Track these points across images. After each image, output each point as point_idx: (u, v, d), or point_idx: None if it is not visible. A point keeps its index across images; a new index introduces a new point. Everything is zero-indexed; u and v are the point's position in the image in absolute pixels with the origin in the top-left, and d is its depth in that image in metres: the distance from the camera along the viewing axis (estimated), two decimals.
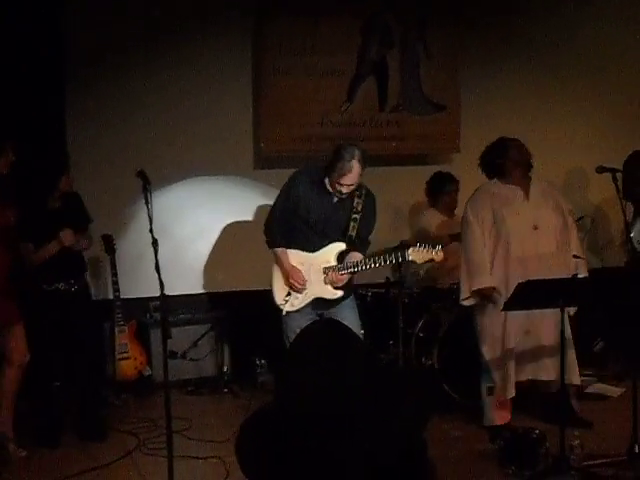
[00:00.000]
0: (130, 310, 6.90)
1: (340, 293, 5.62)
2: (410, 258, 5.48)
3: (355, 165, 5.33)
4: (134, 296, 6.99)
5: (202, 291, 7.64)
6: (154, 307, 7.19)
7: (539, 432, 5.28)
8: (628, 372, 6.06)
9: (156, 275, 4.78)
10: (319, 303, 5.65)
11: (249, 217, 7.44)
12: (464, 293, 5.94)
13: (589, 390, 6.68)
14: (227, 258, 7.57)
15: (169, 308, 6.43)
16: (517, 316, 5.70)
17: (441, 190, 7.36)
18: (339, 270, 5.52)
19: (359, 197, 5.56)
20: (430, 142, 7.86)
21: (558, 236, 5.85)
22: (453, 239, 6.90)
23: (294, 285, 5.58)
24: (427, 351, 6.55)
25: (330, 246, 5.59)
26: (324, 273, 5.57)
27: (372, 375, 2.68)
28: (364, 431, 2.60)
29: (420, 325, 6.77)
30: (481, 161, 6.08)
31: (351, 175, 5.35)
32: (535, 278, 5.16)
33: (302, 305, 5.62)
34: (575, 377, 5.91)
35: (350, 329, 2.88)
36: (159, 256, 4.84)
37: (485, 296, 5.85)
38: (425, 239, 5.88)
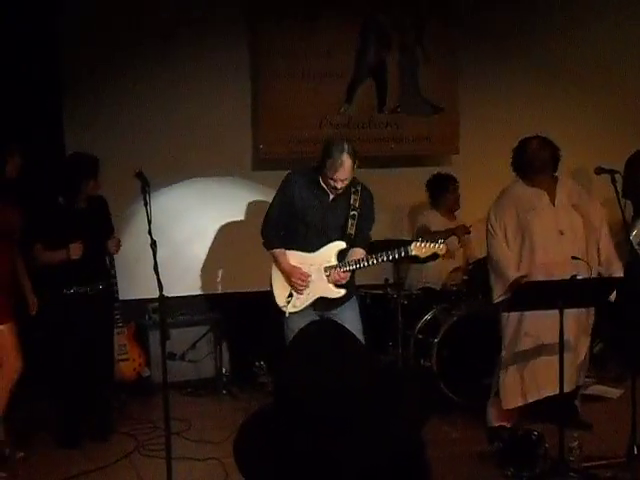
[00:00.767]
0: (129, 311, 6.89)
1: (343, 291, 5.62)
2: (413, 253, 5.50)
3: (346, 158, 5.33)
4: (133, 297, 6.98)
5: (201, 292, 7.64)
6: (153, 308, 7.19)
7: (538, 433, 5.28)
8: (627, 374, 6.06)
9: (155, 276, 4.78)
10: (321, 304, 5.64)
11: (248, 218, 7.44)
12: (497, 291, 5.79)
13: (588, 391, 6.67)
14: (226, 259, 7.57)
15: (168, 309, 6.48)
16: (533, 322, 5.67)
17: (441, 191, 7.36)
18: (341, 268, 5.52)
19: (355, 193, 5.56)
20: (429, 144, 7.86)
21: (585, 240, 5.77)
22: (450, 233, 6.95)
23: (297, 284, 5.56)
24: (426, 353, 6.55)
25: (330, 245, 5.59)
26: (325, 272, 5.57)
27: (370, 375, 2.67)
28: (362, 432, 2.59)
29: (419, 327, 6.76)
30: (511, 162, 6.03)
31: (343, 169, 5.35)
32: None
33: (305, 305, 5.61)
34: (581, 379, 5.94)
35: (347, 329, 2.87)
36: (158, 257, 4.84)
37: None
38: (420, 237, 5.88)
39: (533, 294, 5.10)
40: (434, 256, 5.69)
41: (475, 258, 7.16)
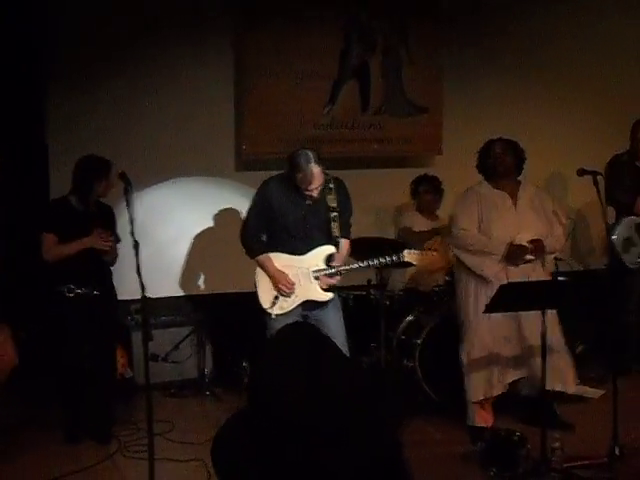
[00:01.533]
0: None
1: (330, 295, 5.66)
2: (405, 259, 5.56)
3: (314, 168, 5.37)
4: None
5: (184, 293, 7.62)
6: (135, 309, 7.17)
7: (520, 434, 5.29)
8: (609, 374, 6.09)
9: (137, 277, 4.77)
10: (306, 304, 5.67)
11: (231, 219, 7.42)
12: (490, 268, 5.83)
13: (570, 392, 6.69)
14: (209, 260, 7.56)
15: (150, 310, 6.47)
16: (506, 318, 5.72)
17: (420, 192, 7.40)
18: (334, 273, 5.54)
19: (330, 192, 5.58)
20: (412, 145, 7.87)
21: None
22: (435, 233, 6.99)
23: (283, 290, 5.58)
24: (409, 353, 6.56)
25: (318, 249, 5.61)
26: (314, 275, 5.58)
27: (346, 378, 2.67)
28: (338, 434, 2.60)
29: (402, 327, 6.78)
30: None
31: (315, 179, 5.39)
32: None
33: (291, 308, 5.63)
34: (568, 385, 5.97)
35: (322, 332, 2.88)
36: (141, 258, 4.83)
37: (516, 251, 5.79)
38: (408, 239, 5.92)
39: (514, 295, 5.12)
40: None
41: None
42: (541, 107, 8.25)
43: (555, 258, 5.73)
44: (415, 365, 6.46)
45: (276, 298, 5.62)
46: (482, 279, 5.82)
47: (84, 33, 7.08)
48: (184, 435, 6.16)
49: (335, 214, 5.57)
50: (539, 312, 5.20)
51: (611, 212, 7.03)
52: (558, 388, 5.95)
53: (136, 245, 4.83)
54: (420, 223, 7.32)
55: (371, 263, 5.62)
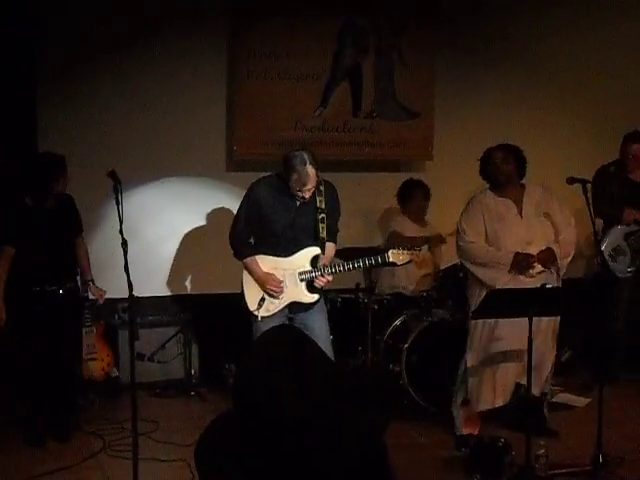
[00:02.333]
0: (98, 311, 6.84)
1: (316, 296, 5.66)
2: (391, 259, 5.56)
3: (310, 169, 5.38)
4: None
5: (171, 293, 7.60)
6: (122, 308, 7.15)
7: (505, 441, 5.30)
8: (595, 382, 6.10)
9: (125, 276, 4.76)
10: (292, 307, 5.67)
11: (220, 220, 7.40)
12: (500, 280, 5.74)
13: (555, 400, 6.70)
14: (197, 261, 7.55)
15: (137, 310, 6.45)
16: (506, 327, 5.70)
17: (408, 197, 7.40)
18: (324, 272, 5.54)
19: (320, 194, 5.58)
20: (403, 149, 7.86)
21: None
22: (425, 241, 7.00)
23: (271, 291, 5.58)
24: (395, 358, 6.55)
25: (304, 251, 5.61)
26: (300, 277, 5.58)
27: (328, 379, 2.67)
28: (321, 435, 2.59)
29: (389, 332, 6.77)
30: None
31: (310, 180, 5.40)
32: None
33: (277, 310, 5.62)
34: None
35: (306, 334, 2.88)
36: (129, 257, 4.82)
37: (521, 262, 5.75)
38: (396, 244, 5.92)
39: (503, 302, 5.12)
40: (409, 262, 5.77)
41: (444, 265, 7.23)
42: (533, 114, 8.26)
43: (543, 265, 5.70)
44: (401, 369, 6.46)
45: (262, 300, 5.61)
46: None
47: (78, 33, 7.05)
48: (169, 435, 6.14)
49: (323, 215, 5.57)
50: (542, 319, 5.22)
51: (599, 221, 7.04)
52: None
53: (124, 243, 4.83)
54: (409, 228, 7.32)
55: (357, 264, 5.62)
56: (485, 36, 8.10)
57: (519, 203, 5.87)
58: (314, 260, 5.61)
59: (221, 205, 7.50)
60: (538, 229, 5.82)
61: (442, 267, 7.32)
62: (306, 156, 5.40)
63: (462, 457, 5.55)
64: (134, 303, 4.86)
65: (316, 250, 5.60)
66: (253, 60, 7.34)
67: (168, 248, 7.52)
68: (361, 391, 2.84)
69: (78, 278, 6.27)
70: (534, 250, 5.74)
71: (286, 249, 5.61)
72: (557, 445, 5.73)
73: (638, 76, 8.54)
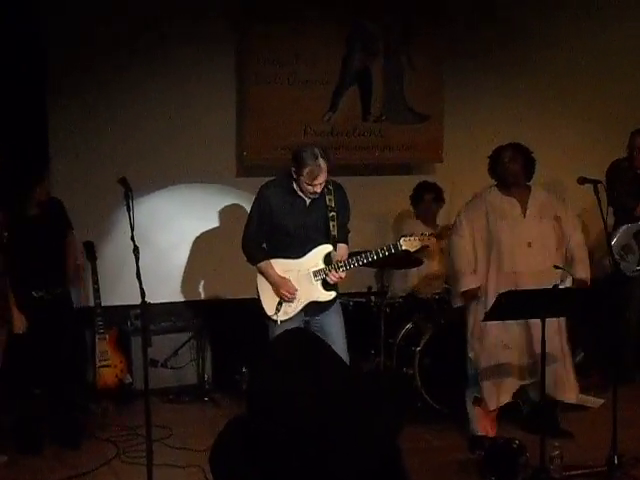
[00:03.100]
0: (111, 318, 6.87)
1: (334, 294, 5.66)
2: (403, 247, 5.55)
3: (322, 163, 5.38)
4: (115, 303, 6.96)
5: (183, 299, 7.61)
6: (135, 315, 7.16)
7: (519, 442, 5.29)
8: (609, 383, 6.08)
9: (137, 282, 4.77)
10: (309, 308, 5.66)
11: (232, 225, 7.40)
12: (455, 299, 6.00)
13: (569, 401, 6.68)
14: (209, 266, 7.56)
15: (150, 316, 6.48)
16: (509, 325, 5.71)
17: (417, 199, 7.39)
18: (339, 268, 5.53)
19: (329, 193, 5.58)
20: (413, 152, 7.86)
21: (553, 253, 5.84)
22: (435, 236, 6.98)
23: (285, 296, 5.57)
24: (408, 361, 6.55)
25: (316, 249, 5.60)
26: (315, 276, 5.58)
27: (342, 382, 2.67)
28: (335, 438, 2.59)
29: (402, 335, 6.77)
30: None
31: (322, 174, 5.40)
32: None
33: (296, 312, 5.62)
34: (570, 393, 5.95)
35: (319, 337, 2.88)
36: (141, 264, 4.83)
37: (471, 296, 5.85)
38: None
39: (515, 303, 5.11)
40: (425, 248, 5.84)
41: None
42: (542, 115, 8.25)
43: (555, 267, 5.69)
44: (414, 372, 6.46)
45: (279, 304, 5.61)
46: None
47: (85, 37, 7.09)
48: (183, 441, 6.14)
49: (333, 214, 5.57)
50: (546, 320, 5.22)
51: (610, 221, 7.02)
52: (559, 397, 5.94)
53: (136, 250, 4.84)
54: (421, 231, 7.29)
55: (370, 256, 5.57)
56: (493, 40, 8.09)
57: (524, 204, 5.87)
58: (327, 257, 5.60)
59: (232, 210, 7.51)
60: (540, 231, 5.82)
61: None
62: (317, 151, 5.42)
63: (476, 459, 5.53)
64: (146, 309, 4.87)
65: (328, 247, 5.59)
66: (261, 65, 7.35)
67: (180, 254, 7.53)
68: (375, 394, 2.84)
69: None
70: (534, 253, 5.74)
71: (299, 249, 5.60)
72: (571, 446, 5.70)
73: None
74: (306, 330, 5.22)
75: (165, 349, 7.27)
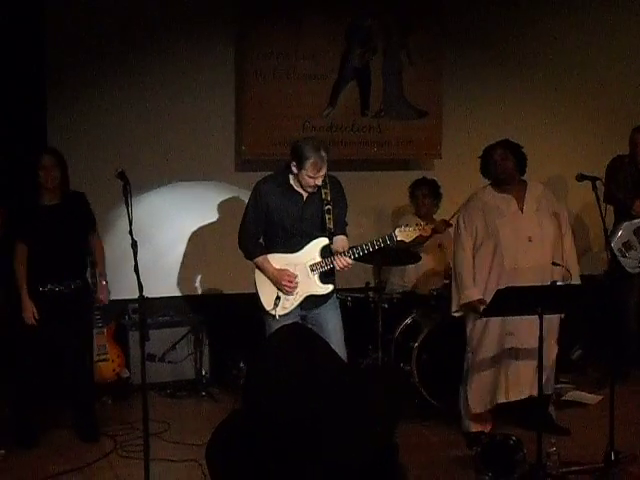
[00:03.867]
0: (109, 312, 6.86)
1: (331, 287, 5.65)
2: (399, 238, 5.52)
3: (324, 155, 5.39)
4: (113, 298, 6.93)
5: (181, 294, 7.61)
6: (133, 309, 7.17)
7: (516, 439, 5.29)
8: (606, 380, 6.09)
9: (135, 277, 4.77)
10: (306, 302, 5.65)
11: (230, 220, 7.39)
12: (454, 306, 5.96)
13: (567, 397, 6.70)
14: (207, 261, 7.56)
15: (148, 310, 6.45)
16: (504, 327, 5.72)
17: (412, 195, 7.38)
18: (345, 255, 5.49)
19: (324, 187, 5.57)
20: (412, 148, 7.86)
21: (553, 247, 5.83)
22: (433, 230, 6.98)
23: (286, 287, 5.55)
24: (406, 357, 6.55)
25: (313, 243, 5.59)
26: (312, 270, 5.57)
27: (337, 377, 2.67)
28: (333, 433, 2.60)
29: (399, 330, 6.77)
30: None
31: (324, 165, 5.40)
32: None
33: (295, 306, 5.62)
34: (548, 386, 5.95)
35: (315, 332, 2.89)
36: (139, 258, 4.83)
37: (471, 308, 5.85)
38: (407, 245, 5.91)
39: (512, 299, 5.11)
40: (420, 237, 5.79)
41: None
42: (541, 111, 8.25)
43: (553, 263, 5.69)
44: (412, 368, 6.46)
45: (277, 299, 5.60)
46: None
47: (84, 32, 7.09)
48: (180, 435, 6.15)
49: (329, 207, 5.56)
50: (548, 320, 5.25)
51: (609, 217, 7.03)
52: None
53: (134, 244, 4.83)
54: None
55: (365, 247, 5.53)
56: (492, 36, 8.11)
57: (520, 199, 5.85)
58: (323, 250, 5.59)
59: (230, 205, 7.51)
60: (539, 225, 5.80)
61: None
62: (316, 142, 5.44)
63: (474, 455, 5.54)
64: (144, 304, 4.87)
65: (324, 240, 5.57)
66: (261, 60, 7.35)
67: (178, 248, 7.53)
68: (372, 389, 2.84)
69: (90, 276, 6.24)
70: (535, 247, 5.74)
71: (296, 244, 5.59)
72: (569, 442, 5.72)
73: None
74: (302, 325, 5.23)
75: (163, 343, 7.27)
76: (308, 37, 7.47)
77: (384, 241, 5.54)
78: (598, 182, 5.52)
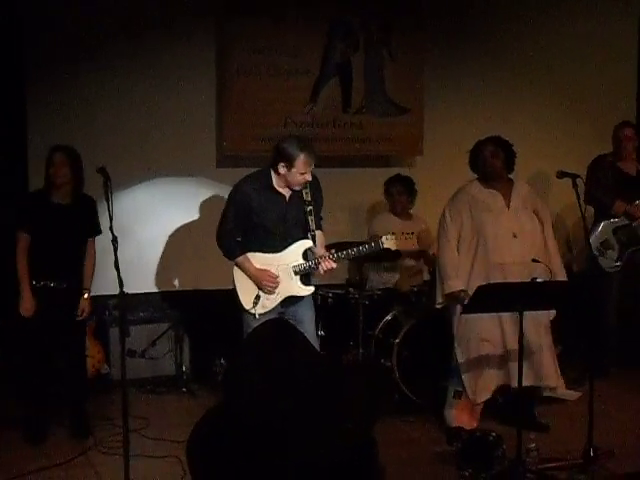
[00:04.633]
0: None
1: (312, 289, 5.67)
2: (385, 246, 5.55)
3: (311, 150, 5.42)
4: (93, 294, 6.90)
5: (162, 290, 7.59)
6: (113, 305, 7.15)
7: (496, 435, 5.30)
8: (585, 376, 6.11)
9: (115, 273, 4.75)
10: (284, 301, 5.65)
11: (211, 216, 7.36)
12: (438, 298, 5.99)
13: (546, 394, 6.71)
14: (188, 257, 7.54)
15: (128, 306, 6.45)
16: (494, 320, 5.74)
17: (388, 192, 7.37)
18: (331, 257, 5.52)
19: (305, 187, 5.58)
20: (393, 144, 7.87)
21: (537, 243, 5.88)
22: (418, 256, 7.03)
23: (267, 286, 5.55)
24: (386, 353, 6.56)
25: (295, 244, 5.60)
26: (293, 271, 5.57)
27: (317, 372, 2.67)
28: (311, 429, 2.60)
29: (380, 327, 6.78)
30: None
31: (312, 161, 5.41)
32: None
33: (275, 305, 5.61)
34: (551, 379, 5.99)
35: (296, 328, 2.89)
36: (120, 254, 4.81)
37: (454, 298, 5.87)
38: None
39: (492, 296, 5.12)
40: (393, 253, 6.01)
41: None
42: (522, 108, 8.28)
43: (533, 260, 5.71)
44: (393, 364, 6.47)
45: (257, 298, 5.59)
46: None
47: (65, 29, 7.05)
48: (160, 432, 6.13)
49: (310, 208, 5.57)
50: (532, 314, 5.27)
51: (590, 215, 7.06)
52: (544, 383, 5.94)
53: (115, 240, 4.83)
54: (394, 224, 7.25)
55: (351, 252, 5.57)
56: (474, 33, 8.12)
57: (507, 196, 5.92)
58: (306, 253, 5.60)
59: (211, 201, 7.49)
60: (524, 222, 5.87)
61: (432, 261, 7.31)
62: (301, 139, 5.50)
63: (454, 451, 5.55)
64: (125, 300, 4.86)
65: (308, 243, 5.59)
66: (242, 56, 7.34)
67: (159, 244, 7.51)
68: (350, 385, 2.85)
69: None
70: (520, 243, 5.78)
71: (279, 245, 5.59)
72: (548, 439, 5.75)
73: (627, 69, 8.58)
74: (284, 320, 5.22)
75: (143, 339, 7.26)
76: (289, 33, 7.46)
77: (370, 248, 5.57)
78: (579, 180, 5.55)
